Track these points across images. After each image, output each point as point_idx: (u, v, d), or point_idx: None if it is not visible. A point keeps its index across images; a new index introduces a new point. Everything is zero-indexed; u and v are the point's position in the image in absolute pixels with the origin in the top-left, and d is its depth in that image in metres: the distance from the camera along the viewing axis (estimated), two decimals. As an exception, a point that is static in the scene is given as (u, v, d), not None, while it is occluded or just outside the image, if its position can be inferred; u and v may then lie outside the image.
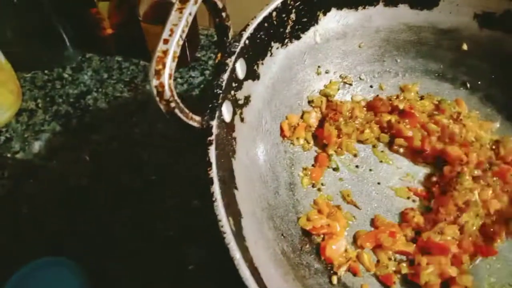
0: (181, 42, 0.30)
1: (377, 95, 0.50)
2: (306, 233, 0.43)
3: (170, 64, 0.29)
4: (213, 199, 0.31)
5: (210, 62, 0.67)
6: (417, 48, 0.51)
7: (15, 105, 0.60)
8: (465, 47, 0.50)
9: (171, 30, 0.29)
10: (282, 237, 0.40)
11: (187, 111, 0.31)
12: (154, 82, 0.28)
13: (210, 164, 0.32)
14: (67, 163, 0.56)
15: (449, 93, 0.52)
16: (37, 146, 0.58)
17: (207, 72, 0.65)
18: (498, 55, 0.49)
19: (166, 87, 0.29)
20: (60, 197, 0.52)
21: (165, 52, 0.29)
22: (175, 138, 0.57)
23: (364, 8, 0.48)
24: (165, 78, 0.28)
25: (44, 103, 0.63)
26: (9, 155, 0.57)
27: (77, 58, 0.67)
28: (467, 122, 0.47)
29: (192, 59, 0.66)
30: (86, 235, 0.49)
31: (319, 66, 0.50)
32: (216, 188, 0.31)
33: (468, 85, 0.51)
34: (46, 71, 0.66)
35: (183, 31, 0.30)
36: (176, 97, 0.30)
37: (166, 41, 0.29)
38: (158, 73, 0.28)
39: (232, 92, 0.38)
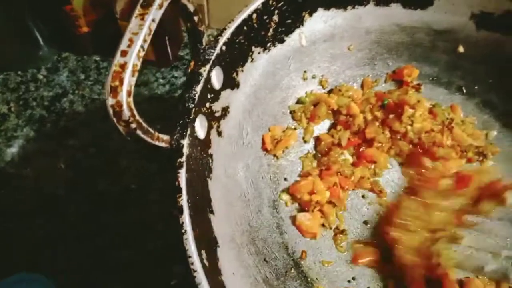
0: (142, 53, 0.26)
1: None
2: (291, 256, 0.40)
3: (128, 79, 0.25)
4: (183, 230, 0.27)
5: (194, 61, 0.63)
6: (410, 50, 0.48)
7: (-15, 109, 0.57)
8: (461, 49, 0.47)
9: (130, 40, 0.26)
10: (265, 262, 0.37)
11: (152, 131, 0.28)
12: (110, 101, 0.25)
13: (179, 190, 0.28)
14: (42, 171, 0.54)
15: (444, 98, 0.48)
16: (9, 153, 0.55)
17: (190, 72, 0.62)
18: (496, 59, 0.46)
19: (125, 106, 0.25)
20: (35, 207, 0.50)
21: (122, 66, 0.25)
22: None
23: (353, 7, 0.44)
24: (123, 96, 0.25)
25: (17, 106, 0.59)
26: (-21, 162, 0.54)
27: (52, 58, 0.64)
28: (456, 130, 0.44)
29: (175, 58, 0.62)
30: (62, 247, 0.47)
31: (305, 71, 0.46)
32: (186, 219, 0.28)
33: (464, 90, 0.48)
34: (19, 72, 0.62)
35: (144, 41, 0.26)
36: (137, 117, 0.26)
37: (124, 53, 0.26)
38: (114, 90, 0.25)
39: (207, 105, 0.34)
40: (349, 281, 0.40)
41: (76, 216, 0.49)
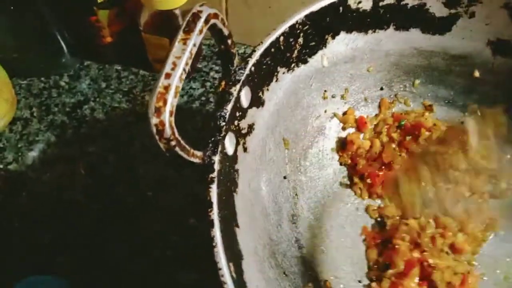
0: (184, 76, 0.28)
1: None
2: (308, 271, 0.41)
3: (171, 100, 0.27)
4: (213, 243, 0.29)
5: (212, 73, 0.65)
6: (427, 73, 0.49)
7: (9, 113, 0.58)
8: (477, 74, 0.49)
9: (174, 64, 0.27)
10: (284, 275, 0.38)
11: (188, 148, 0.30)
12: (154, 120, 0.26)
13: (211, 205, 0.30)
14: (61, 176, 0.55)
15: (459, 121, 0.50)
16: (30, 157, 0.57)
17: (208, 83, 0.64)
18: (511, 84, 0.47)
19: (167, 125, 0.27)
20: (53, 211, 0.51)
21: (166, 88, 0.27)
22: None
23: (374, 31, 0.46)
24: (166, 116, 0.27)
25: (39, 112, 0.61)
26: (1, 166, 0.55)
27: (75, 66, 0.65)
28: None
29: (193, 69, 0.64)
30: (78, 251, 0.48)
31: (325, 91, 0.48)
32: (216, 232, 0.29)
33: (480, 113, 0.50)
34: (42, 79, 0.64)
35: (186, 64, 0.28)
36: (177, 135, 0.28)
37: (168, 76, 0.27)
38: (158, 111, 0.26)
39: (236, 122, 0.36)
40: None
41: (92, 222, 0.50)
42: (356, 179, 0.47)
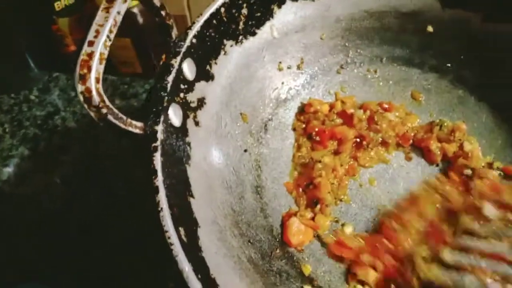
0: (108, 43, 0.28)
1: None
2: (276, 238, 0.40)
3: (96, 67, 0.27)
4: (159, 208, 0.28)
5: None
6: (381, 34, 0.49)
7: (-20, 132, 0.59)
8: (430, 29, 0.48)
9: (97, 31, 0.28)
10: (249, 243, 0.37)
11: (123, 117, 0.29)
12: (80, 87, 0.26)
13: (155, 172, 0.30)
14: (38, 187, 0.55)
15: (418, 78, 0.49)
16: (6, 172, 0.57)
17: (177, 81, 0.64)
18: (465, 35, 0.47)
19: (94, 92, 0.27)
20: (33, 222, 0.51)
21: (90, 55, 0.27)
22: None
23: (321, -3, 0.46)
24: (92, 83, 0.27)
25: (11, 127, 0.61)
26: (-23, 183, 0.55)
27: (43, 79, 0.66)
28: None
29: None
30: (61, 259, 0.47)
31: (280, 62, 0.48)
32: (162, 197, 0.29)
33: (437, 68, 0.49)
34: (12, 95, 0.65)
35: (110, 31, 0.28)
36: (107, 102, 0.28)
37: (91, 43, 0.27)
38: (83, 78, 0.26)
39: (181, 95, 0.36)
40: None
41: (73, 229, 0.50)
42: (301, 141, 0.47)
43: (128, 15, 0.55)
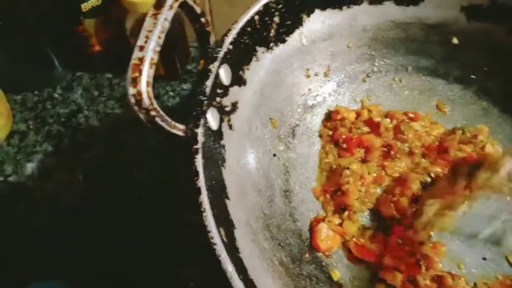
0: (158, 49, 0.29)
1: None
2: (305, 242, 0.41)
3: (147, 71, 0.28)
4: (202, 209, 0.29)
5: (202, 74, 0.66)
6: (407, 45, 0.50)
7: (6, 127, 0.60)
8: (455, 41, 0.49)
9: (146, 37, 0.29)
10: (280, 247, 0.38)
11: (169, 119, 0.30)
12: (131, 90, 0.27)
13: (197, 174, 0.31)
14: (60, 184, 0.56)
15: (443, 88, 0.50)
16: (29, 168, 0.58)
17: (198, 84, 0.65)
18: (489, 47, 0.48)
19: (144, 95, 0.28)
20: (53, 218, 0.51)
21: (141, 59, 0.28)
22: (168, 153, 0.56)
23: (348, 7, 0.47)
24: (143, 86, 0.28)
25: (35, 124, 0.62)
26: (1, 178, 0.56)
27: (67, 78, 0.67)
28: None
29: (183, 71, 0.65)
30: (79, 255, 0.48)
31: (308, 69, 0.49)
32: (204, 198, 0.30)
33: (462, 79, 0.50)
34: (36, 92, 0.65)
35: (159, 37, 0.29)
36: (155, 105, 0.29)
37: (141, 48, 0.28)
38: (134, 81, 0.27)
39: (218, 99, 0.37)
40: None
41: (91, 226, 0.50)
42: (328, 147, 0.48)
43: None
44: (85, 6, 0.58)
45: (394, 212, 0.42)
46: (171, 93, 0.64)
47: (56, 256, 0.48)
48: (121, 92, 0.65)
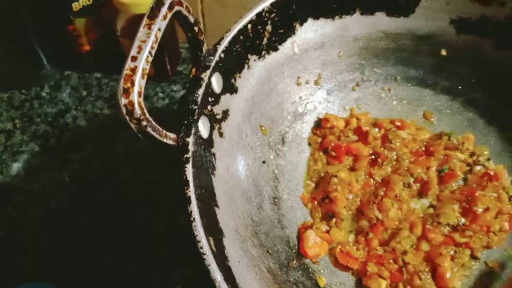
0: (150, 59, 0.29)
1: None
2: (292, 249, 0.42)
3: (139, 81, 0.28)
4: (192, 218, 0.30)
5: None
6: (396, 55, 0.51)
7: (-9, 127, 0.59)
8: (444, 52, 0.50)
9: (139, 47, 0.29)
10: (268, 254, 0.39)
11: (160, 128, 0.30)
12: (123, 101, 0.27)
13: (187, 183, 0.31)
14: (47, 184, 0.55)
15: (430, 99, 0.51)
16: (15, 168, 0.57)
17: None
18: (477, 60, 0.49)
19: (136, 105, 0.28)
20: (40, 219, 0.51)
21: (133, 70, 0.28)
22: (158, 154, 0.56)
23: (340, 17, 0.47)
24: (135, 96, 0.28)
25: (21, 123, 0.61)
26: (-14, 177, 0.55)
27: (55, 76, 0.66)
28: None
29: (173, 73, 0.65)
30: (69, 258, 0.48)
31: (298, 77, 0.49)
32: (194, 208, 0.30)
33: (449, 90, 0.51)
34: (23, 91, 0.65)
35: (152, 48, 0.29)
36: (147, 115, 0.29)
37: (134, 59, 0.28)
38: (127, 92, 0.27)
39: (209, 107, 0.37)
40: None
41: (80, 227, 0.50)
42: (317, 155, 0.48)
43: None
44: (76, 6, 0.57)
45: (376, 213, 0.43)
46: (160, 94, 0.64)
47: (43, 257, 0.48)
48: (109, 92, 0.64)
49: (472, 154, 0.46)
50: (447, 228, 0.42)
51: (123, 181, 0.54)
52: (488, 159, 0.46)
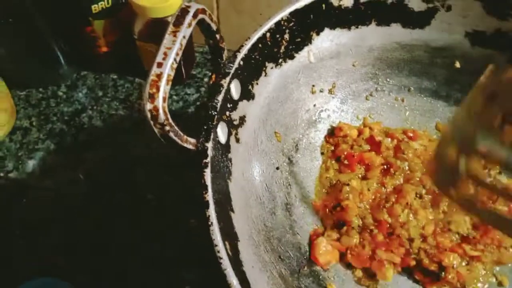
0: (175, 65, 0.30)
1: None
2: (304, 256, 0.42)
3: (164, 87, 0.29)
4: (209, 223, 0.30)
5: (206, 79, 0.67)
6: (411, 66, 0.52)
7: (9, 123, 0.60)
8: (457, 64, 0.51)
9: (165, 54, 0.29)
10: (280, 259, 0.39)
11: (181, 134, 0.31)
12: (148, 105, 0.28)
13: (205, 187, 0.31)
14: (61, 183, 0.56)
15: (443, 110, 0.52)
16: (31, 165, 0.58)
17: (202, 89, 0.66)
18: (490, 73, 0.49)
19: (161, 111, 0.29)
20: (54, 217, 0.52)
21: (159, 76, 0.29)
22: (172, 156, 0.56)
23: (357, 27, 0.48)
24: (159, 102, 0.28)
25: (38, 121, 0.62)
26: (2, 174, 0.56)
27: (72, 76, 0.67)
28: None
29: (188, 76, 0.66)
30: (81, 256, 0.48)
31: (313, 85, 0.50)
32: (212, 212, 0.31)
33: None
34: (40, 89, 0.66)
35: (177, 54, 0.30)
36: (170, 120, 0.30)
37: (160, 65, 0.29)
38: (152, 97, 0.28)
39: (227, 113, 0.38)
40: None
41: (93, 226, 0.51)
42: (329, 163, 0.49)
43: (163, 23, 0.57)
44: (95, 8, 0.58)
45: (386, 216, 0.43)
46: (175, 97, 0.65)
47: (56, 256, 0.49)
48: (125, 94, 0.65)
49: (484, 168, 0.46)
50: (457, 236, 0.42)
51: (136, 181, 0.55)
52: (500, 173, 0.46)
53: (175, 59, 0.30)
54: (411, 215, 0.43)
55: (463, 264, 0.41)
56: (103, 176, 0.56)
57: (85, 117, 0.63)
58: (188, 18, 0.31)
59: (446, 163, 0.29)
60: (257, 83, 0.42)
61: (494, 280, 0.42)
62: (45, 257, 0.48)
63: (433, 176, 0.32)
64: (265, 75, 0.43)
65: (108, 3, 0.59)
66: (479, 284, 0.42)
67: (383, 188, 0.46)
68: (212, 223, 0.30)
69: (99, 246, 0.49)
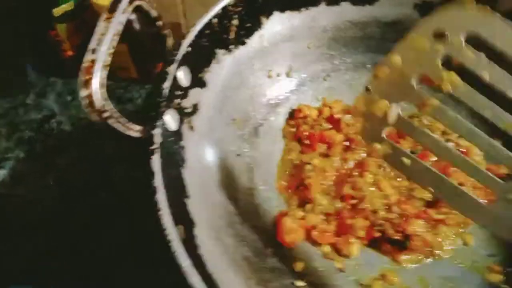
0: (111, 51, 0.30)
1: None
2: (269, 237, 0.42)
3: (100, 72, 0.29)
4: (158, 208, 0.30)
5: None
6: (365, 43, 0.52)
7: (-23, 136, 0.60)
8: (410, 37, 0.51)
9: (99, 40, 0.30)
10: (244, 242, 0.39)
11: (124, 120, 0.31)
12: (82, 92, 0.28)
13: (153, 174, 0.32)
14: (33, 189, 0.55)
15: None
16: (1, 174, 0.57)
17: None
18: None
19: (98, 96, 0.29)
20: (29, 225, 0.51)
21: (93, 61, 0.29)
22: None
23: (307, 9, 0.48)
24: (94, 87, 0.29)
25: (6, 130, 0.62)
26: (-27, 185, 0.56)
27: (40, 83, 0.67)
28: None
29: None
30: (57, 261, 0.48)
31: (270, 70, 0.50)
32: (160, 197, 0.31)
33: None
34: (8, 98, 0.66)
35: (112, 40, 0.30)
36: (111, 106, 0.30)
37: (94, 51, 0.29)
38: (86, 83, 0.28)
39: (177, 101, 0.38)
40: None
41: (70, 230, 0.50)
42: (291, 145, 0.49)
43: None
44: (57, 11, 0.58)
45: (351, 191, 0.44)
46: (145, 97, 0.65)
47: (33, 260, 0.48)
48: (93, 97, 0.65)
49: (443, 133, 0.47)
50: (421, 202, 0.42)
51: (112, 182, 0.55)
52: (459, 137, 0.47)
53: (112, 45, 0.30)
54: (374, 187, 0.44)
55: (429, 229, 0.42)
56: (77, 179, 0.55)
57: (54, 122, 0.62)
58: (123, 4, 0.32)
59: (374, 117, 0.30)
60: (208, 70, 0.43)
61: (460, 241, 0.43)
62: (22, 264, 0.48)
63: (361, 133, 0.33)
64: (217, 62, 0.44)
65: (70, 6, 0.58)
66: (445, 248, 0.42)
67: (345, 164, 0.46)
68: (160, 208, 0.30)
69: (78, 250, 0.48)
